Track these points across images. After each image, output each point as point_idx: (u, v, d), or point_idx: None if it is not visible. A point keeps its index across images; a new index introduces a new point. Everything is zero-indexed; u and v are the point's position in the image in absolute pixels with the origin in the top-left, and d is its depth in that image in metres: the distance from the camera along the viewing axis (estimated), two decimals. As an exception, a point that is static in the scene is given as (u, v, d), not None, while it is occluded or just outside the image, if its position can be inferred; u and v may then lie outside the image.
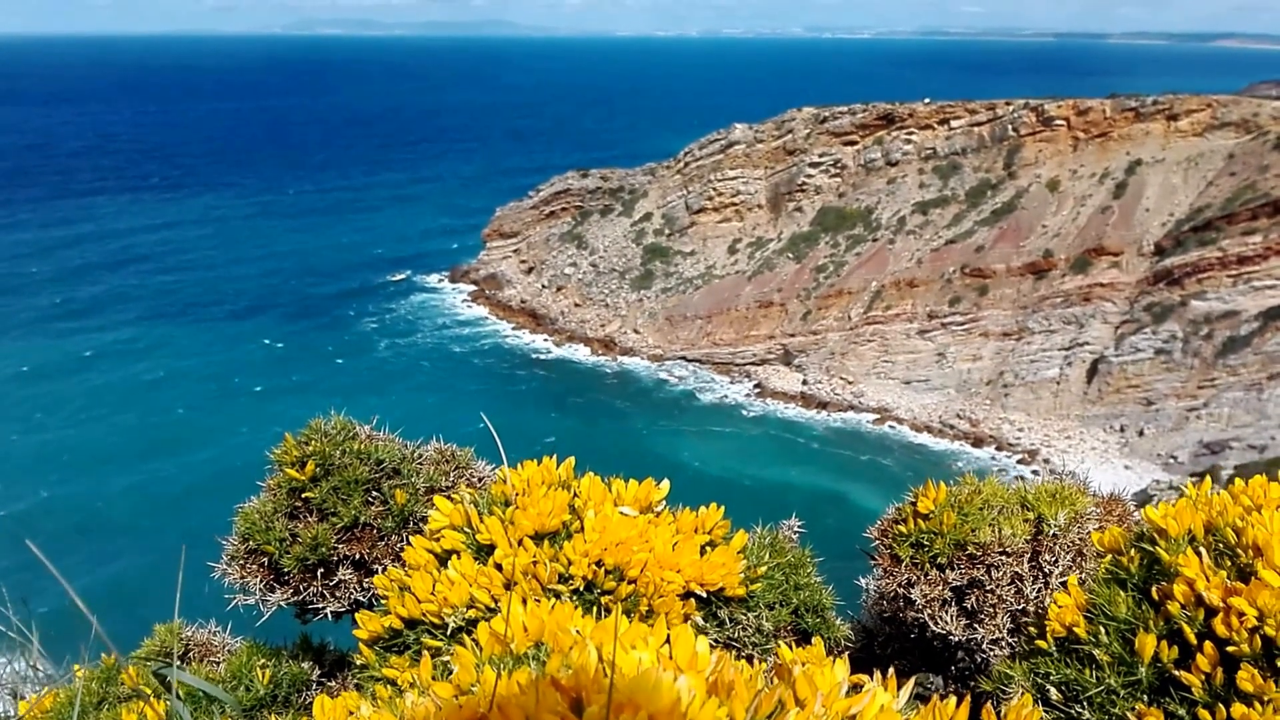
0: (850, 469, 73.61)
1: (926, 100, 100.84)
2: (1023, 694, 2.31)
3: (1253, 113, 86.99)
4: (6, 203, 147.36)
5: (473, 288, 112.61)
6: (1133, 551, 2.63)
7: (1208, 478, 2.94)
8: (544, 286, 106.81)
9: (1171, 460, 71.05)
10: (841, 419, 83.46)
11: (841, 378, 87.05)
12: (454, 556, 2.77)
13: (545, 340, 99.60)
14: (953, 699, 2.09)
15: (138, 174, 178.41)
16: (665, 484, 2.93)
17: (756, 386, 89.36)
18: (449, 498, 3.02)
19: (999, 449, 77.21)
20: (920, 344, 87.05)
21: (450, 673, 2.08)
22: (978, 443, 78.53)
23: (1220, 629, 2.30)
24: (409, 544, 2.98)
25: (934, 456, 75.62)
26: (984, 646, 2.90)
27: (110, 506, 63.55)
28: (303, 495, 3.54)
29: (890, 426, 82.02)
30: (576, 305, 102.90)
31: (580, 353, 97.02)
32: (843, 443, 79.69)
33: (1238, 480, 2.74)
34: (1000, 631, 2.86)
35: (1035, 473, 70.55)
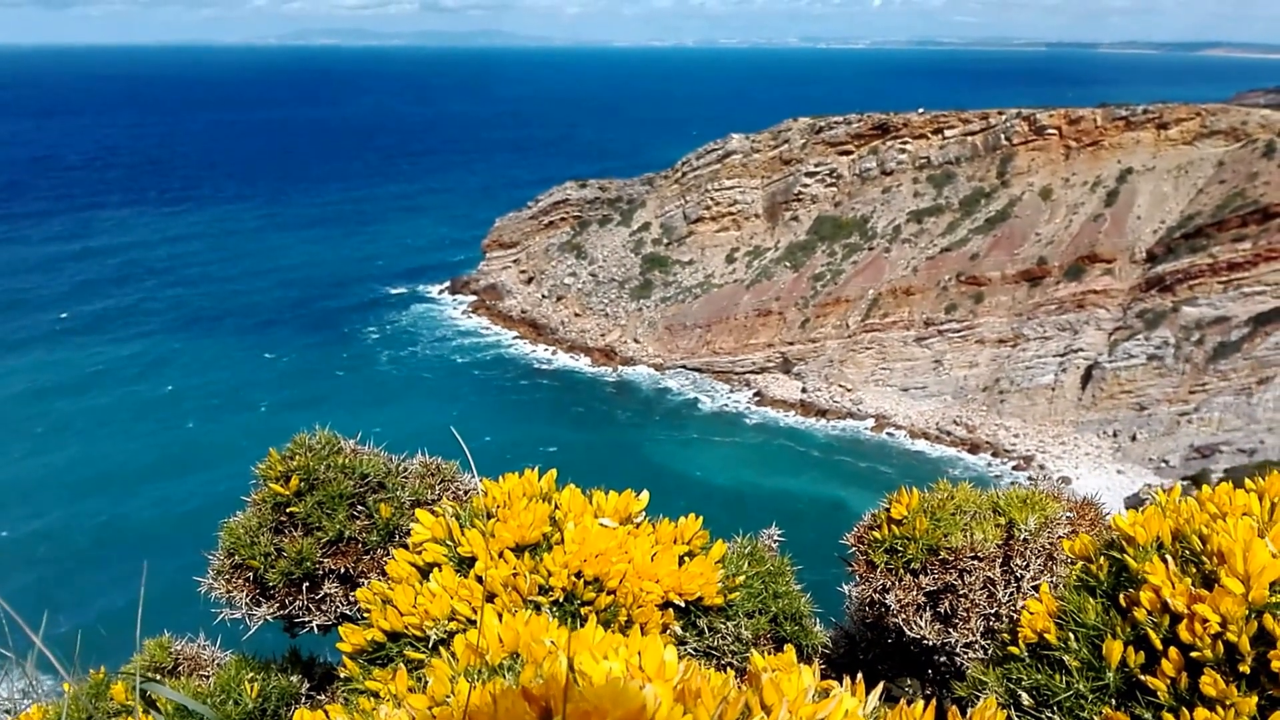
0: (850, 476, 73.65)
1: (920, 110, 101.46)
2: (987, 698, 2.35)
3: (1241, 121, 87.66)
4: (7, 217, 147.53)
5: (473, 298, 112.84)
6: (1101, 559, 2.68)
7: (1177, 485, 2.99)
8: (544, 296, 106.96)
9: (1164, 464, 71.29)
10: (841, 426, 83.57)
11: (840, 385, 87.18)
12: (435, 569, 2.80)
13: (546, 350, 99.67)
14: (919, 703, 2.14)
15: (139, 187, 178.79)
16: (644, 495, 2.97)
17: (756, 395, 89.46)
18: (432, 511, 3.05)
19: (995, 455, 77.35)
20: (917, 351, 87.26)
21: (427, 684, 2.11)
22: (974, 449, 78.68)
23: (1185, 635, 2.34)
24: (394, 558, 3.01)
25: (931, 463, 75.64)
26: (959, 650, 2.94)
27: (127, 524, 63.10)
28: (288, 510, 3.57)
29: (888, 433, 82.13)
30: (576, 315, 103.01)
31: (581, 362, 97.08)
32: (842, 450, 79.75)
33: (1205, 487, 2.79)
34: (974, 635, 2.90)
35: (1031, 479, 70.49)
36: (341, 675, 2.99)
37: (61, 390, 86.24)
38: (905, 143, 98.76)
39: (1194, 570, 2.51)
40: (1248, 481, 2.84)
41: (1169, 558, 2.52)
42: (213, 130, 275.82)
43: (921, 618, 2.89)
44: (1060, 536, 2.96)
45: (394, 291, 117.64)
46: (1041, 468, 73.03)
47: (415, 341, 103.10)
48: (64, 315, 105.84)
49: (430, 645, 2.64)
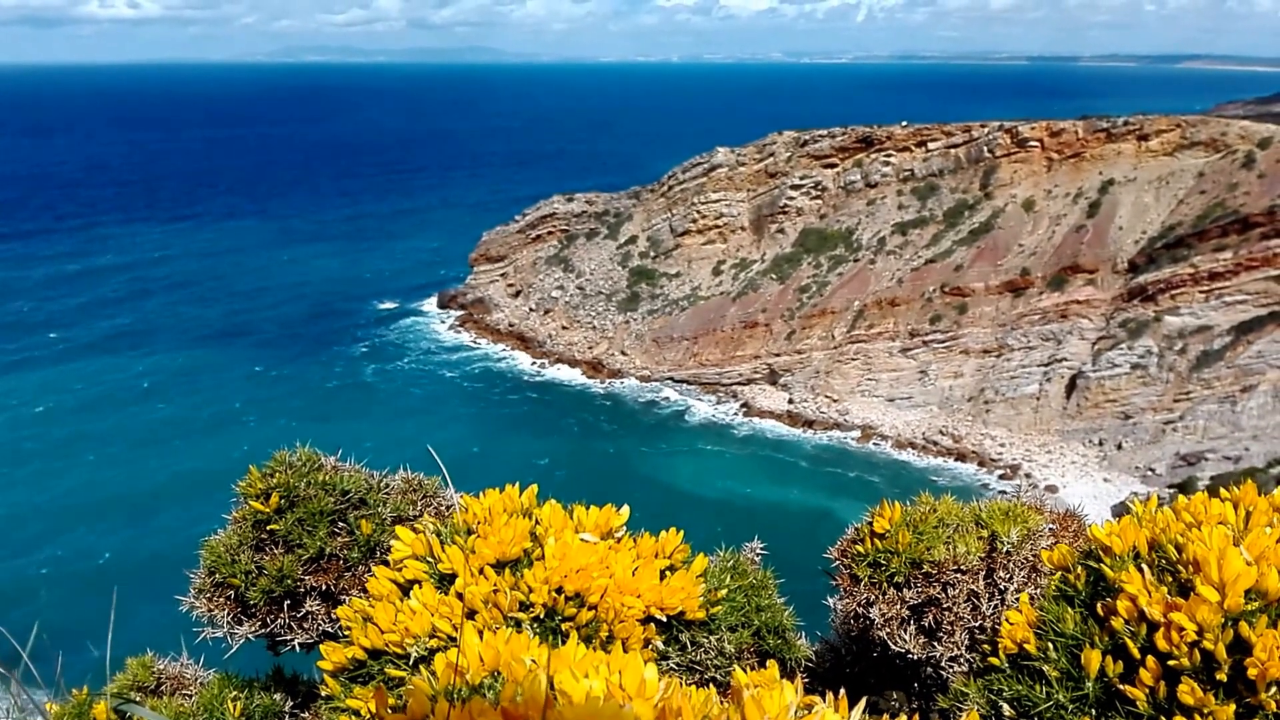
0: (837, 487, 73.81)
1: (904, 123, 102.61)
2: (968, 710, 2.36)
3: (1220, 132, 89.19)
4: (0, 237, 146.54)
5: (461, 312, 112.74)
6: (1080, 569, 2.70)
7: (1154, 494, 3.02)
8: (531, 309, 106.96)
9: (1149, 473, 71.95)
10: (827, 437, 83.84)
11: (826, 396, 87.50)
12: (416, 586, 2.78)
13: (534, 363, 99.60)
14: (903, 717, 2.14)
15: (132, 205, 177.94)
16: (625, 509, 2.97)
17: (743, 406, 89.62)
18: (413, 528, 3.04)
19: (981, 465, 77.76)
20: (903, 362, 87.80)
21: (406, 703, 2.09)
22: (961, 458, 79.09)
23: (1162, 643, 2.36)
24: (375, 575, 2.99)
25: (918, 473, 75.97)
26: (944, 664, 2.95)
27: (125, 549, 62.27)
28: (268, 527, 3.54)
29: (875, 444, 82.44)
30: (564, 328, 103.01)
31: (569, 375, 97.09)
32: (829, 460, 79.97)
33: (1180, 496, 2.83)
34: (959, 648, 2.91)
35: (1017, 488, 71.10)
36: (323, 694, 2.96)
37: (58, 414, 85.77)
38: (889, 155, 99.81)
39: (1170, 579, 2.54)
40: (1223, 490, 2.88)
41: (1145, 567, 2.55)
42: (205, 148, 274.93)
43: (905, 631, 2.90)
44: (1043, 548, 2.99)
45: (385, 307, 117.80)
46: (1028, 476, 73.54)
47: (404, 355, 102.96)
48: (53, 335, 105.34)
49: (411, 663, 2.62)
